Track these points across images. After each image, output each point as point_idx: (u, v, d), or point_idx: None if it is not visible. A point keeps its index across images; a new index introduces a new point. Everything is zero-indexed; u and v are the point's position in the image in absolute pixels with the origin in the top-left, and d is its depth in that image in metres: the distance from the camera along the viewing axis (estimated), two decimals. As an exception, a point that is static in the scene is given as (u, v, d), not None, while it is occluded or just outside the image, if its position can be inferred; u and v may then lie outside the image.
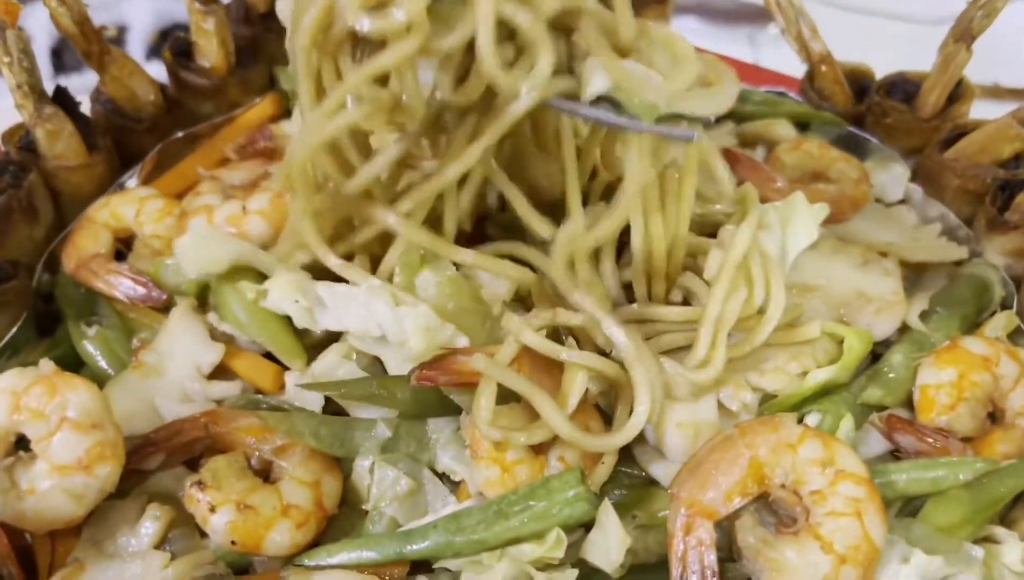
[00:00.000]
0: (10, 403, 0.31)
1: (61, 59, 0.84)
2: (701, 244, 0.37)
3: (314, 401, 0.37)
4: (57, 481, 0.31)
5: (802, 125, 0.51)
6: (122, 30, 0.86)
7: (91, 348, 0.38)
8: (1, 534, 0.32)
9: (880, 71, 0.54)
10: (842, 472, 0.32)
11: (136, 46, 0.84)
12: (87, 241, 0.41)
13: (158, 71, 0.82)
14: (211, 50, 0.47)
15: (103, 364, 0.38)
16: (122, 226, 0.42)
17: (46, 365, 0.32)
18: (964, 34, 0.45)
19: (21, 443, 0.32)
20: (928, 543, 0.33)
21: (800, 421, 0.35)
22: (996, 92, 0.86)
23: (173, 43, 0.49)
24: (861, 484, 0.32)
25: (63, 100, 0.44)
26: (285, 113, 0.50)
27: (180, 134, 0.48)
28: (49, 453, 0.31)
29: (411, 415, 0.36)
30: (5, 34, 0.41)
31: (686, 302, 0.37)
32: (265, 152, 0.45)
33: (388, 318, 0.35)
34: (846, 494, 0.32)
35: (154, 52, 0.85)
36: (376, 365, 0.37)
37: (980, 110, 0.83)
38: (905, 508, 0.35)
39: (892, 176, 0.47)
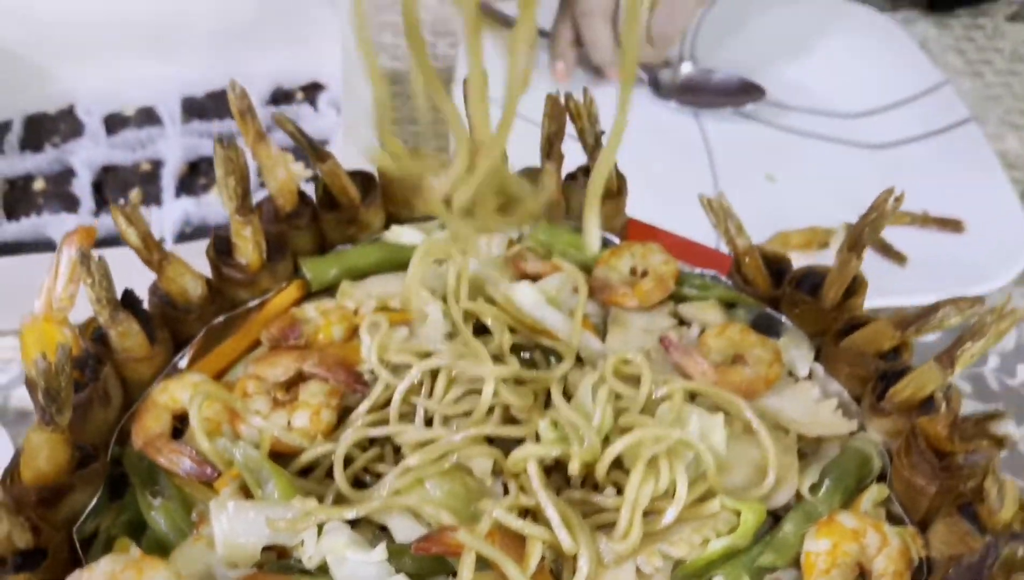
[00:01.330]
0: (108, 584, 0.42)
1: (101, 192, 0.96)
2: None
3: (335, 563, 0.47)
4: (142, 642, 0.41)
5: (730, 303, 0.62)
6: (156, 165, 0.98)
7: (156, 517, 0.49)
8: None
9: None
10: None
11: (169, 179, 0.95)
12: (151, 422, 0.52)
13: (186, 203, 0.93)
14: (247, 250, 0.58)
15: (165, 529, 0.49)
16: (179, 407, 0.53)
17: (134, 550, 0.43)
18: (855, 245, 0.56)
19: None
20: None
21: (709, 582, 0.46)
22: (924, 221, 0.98)
23: (216, 241, 0.59)
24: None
25: (130, 300, 0.55)
26: (308, 296, 0.61)
27: (221, 319, 0.58)
28: (137, 622, 0.41)
29: (415, 575, 0.47)
30: (90, 261, 0.51)
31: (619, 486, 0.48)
32: (296, 347, 0.56)
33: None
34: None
35: (183, 185, 0.97)
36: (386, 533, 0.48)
37: (908, 237, 0.94)
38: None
39: (800, 354, 0.58)
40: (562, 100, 0.63)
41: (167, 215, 0.91)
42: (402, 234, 0.64)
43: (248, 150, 0.59)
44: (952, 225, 0.96)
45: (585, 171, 0.66)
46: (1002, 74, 1.22)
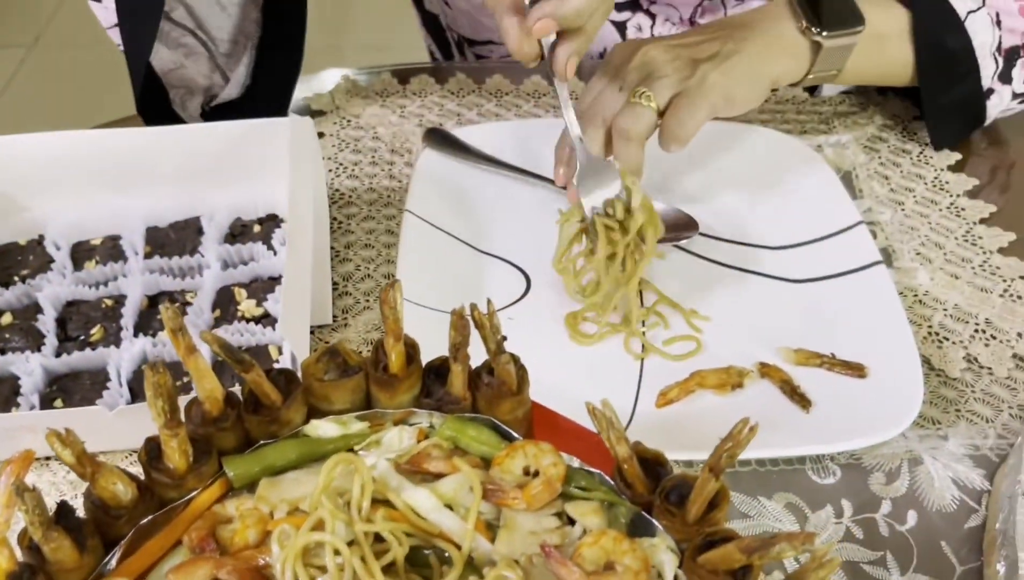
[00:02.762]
0: None
1: (64, 328, 1.03)
2: None
3: None
4: None
5: (611, 503, 0.69)
6: (118, 300, 1.04)
7: None
8: None
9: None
10: None
11: (129, 317, 1.02)
12: (78, 631, 0.59)
13: (144, 343, 0.99)
14: (174, 457, 0.65)
15: None
16: (104, 615, 0.59)
17: None
18: (715, 467, 0.63)
19: None
20: None
21: None
22: (832, 364, 1.05)
23: (147, 446, 0.66)
24: None
25: (64, 511, 0.62)
26: (229, 492, 0.68)
27: (149, 519, 0.65)
28: None
29: None
30: (24, 492, 0.58)
31: None
32: (212, 558, 0.62)
33: None
34: None
35: (143, 319, 1.03)
36: None
37: (815, 378, 1.01)
38: None
39: (668, 559, 0.64)
40: (467, 312, 0.70)
41: (125, 355, 0.98)
42: (320, 427, 0.71)
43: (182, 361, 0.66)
44: (856, 369, 1.03)
45: (489, 370, 0.73)
46: (922, 203, 1.30)
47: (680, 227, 1.21)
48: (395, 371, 0.71)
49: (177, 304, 1.04)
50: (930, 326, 1.13)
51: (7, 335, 1.01)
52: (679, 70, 1.09)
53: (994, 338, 1.12)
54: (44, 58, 4.30)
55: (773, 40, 1.16)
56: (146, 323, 1.03)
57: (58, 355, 0.98)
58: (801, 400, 1.01)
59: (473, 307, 0.70)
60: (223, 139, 1.12)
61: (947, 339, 1.12)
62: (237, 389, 0.71)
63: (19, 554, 0.61)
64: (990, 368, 1.08)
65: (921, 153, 1.38)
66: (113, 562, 0.63)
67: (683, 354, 1.07)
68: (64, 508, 0.62)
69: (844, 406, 1.00)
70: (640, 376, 1.06)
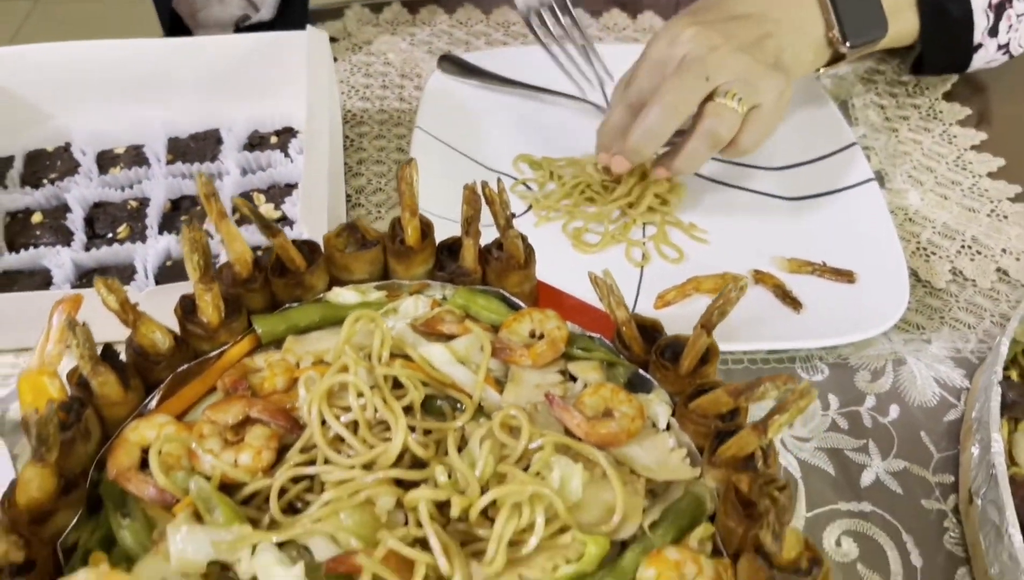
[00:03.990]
0: (82, 591, 0.54)
1: (93, 227, 1.08)
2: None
3: (264, 577, 0.59)
4: (108, 636, 0.54)
5: (611, 363, 0.74)
6: (143, 202, 1.09)
7: (124, 534, 0.61)
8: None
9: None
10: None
11: (153, 217, 1.07)
12: (123, 456, 0.64)
13: (168, 240, 1.04)
14: (208, 311, 0.70)
15: (130, 545, 0.61)
16: (147, 443, 0.65)
17: (104, 566, 0.55)
18: (706, 324, 0.68)
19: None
20: None
21: (557, 601, 0.58)
22: (822, 271, 1.10)
23: (182, 302, 0.71)
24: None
25: (108, 353, 0.67)
26: (258, 348, 0.73)
27: (185, 367, 0.71)
28: (104, 621, 0.54)
29: (327, 591, 0.59)
30: (75, 327, 0.63)
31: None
32: (245, 396, 0.68)
33: None
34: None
35: (166, 220, 1.08)
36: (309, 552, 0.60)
37: (806, 284, 1.06)
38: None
39: (662, 410, 0.70)
40: (479, 188, 0.75)
41: (150, 250, 1.03)
42: (341, 294, 0.76)
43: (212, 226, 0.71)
44: (845, 275, 1.08)
45: (498, 245, 0.78)
46: (915, 130, 1.34)
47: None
48: (411, 243, 0.76)
49: (199, 207, 1.08)
50: (918, 242, 1.18)
51: (38, 233, 1.06)
52: (754, 72, 1.04)
53: (979, 253, 1.17)
54: (50, 10, 4.31)
55: (802, 37, 1.13)
56: (169, 224, 1.08)
57: (87, 250, 1.03)
58: (793, 303, 1.06)
59: (484, 184, 0.75)
60: (241, 51, 1.16)
61: (934, 254, 1.17)
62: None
63: (69, 391, 0.66)
64: (974, 280, 1.14)
65: (916, 85, 1.42)
66: (153, 403, 0.69)
67: (679, 258, 1.12)
68: (109, 351, 0.67)
69: (833, 308, 1.05)
70: (640, 282, 1.11)
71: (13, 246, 1.04)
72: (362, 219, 0.76)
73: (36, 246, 1.04)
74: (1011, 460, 0.88)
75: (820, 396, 1.02)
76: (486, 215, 0.75)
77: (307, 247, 0.76)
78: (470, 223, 0.75)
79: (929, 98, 1.39)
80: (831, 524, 0.91)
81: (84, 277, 1.02)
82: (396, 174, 0.82)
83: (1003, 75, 1.44)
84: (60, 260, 1.01)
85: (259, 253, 0.74)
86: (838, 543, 0.90)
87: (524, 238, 0.77)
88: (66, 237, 1.05)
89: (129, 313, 0.67)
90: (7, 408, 0.97)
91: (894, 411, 1.01)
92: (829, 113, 1.28)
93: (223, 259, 0.76)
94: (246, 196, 1.10)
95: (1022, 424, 0.90)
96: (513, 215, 0.76)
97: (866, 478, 0.95)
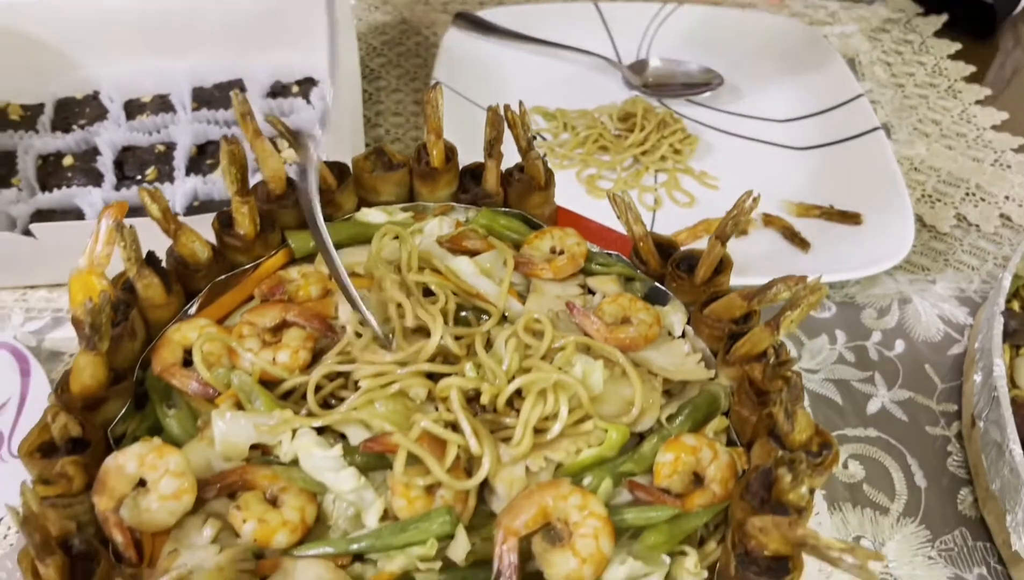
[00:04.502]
0: (138, 461, 0.58)
1: (122, 169, 1.11)
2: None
3: (304, 457, 0.62)
4: (161, 504, 0.57)
5: (629, 278, 0.77)
6: (169, 147, 1.12)
7: (171, 423, 0.64)
8: (128, 533, 0.58)
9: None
10: (591, 513, 0.58)
11: (180, 160, 1.10)
12: (167, 354, 0.67)
13: (195, 181, 1.07)
14: (244, 223, 0.74)
15: (177, 432, 0.64)
16: (189, 343, 0.68)
17: (157, 440, 0.59)
18: (721, 235, 0.71)
19: (141, 482, 0.58)
20: (639, 555, 0.59)
21: (579, 483, 0.61)
22: (830, 214, 1.13)
23: (220, 216, 0.75)
24: (600, 520, 0.58)
25: (152, 259, 0.71)
26: (292, 262, 0.77)
27: (223, 277, 0.74)
28: (158, 488, 0.57)
29: (362, 467, 0.62)
30: (123, 229, 0.67)
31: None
32: (282, 301, 0.71)
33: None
34: (591, 525, 0.58)
35: (193, 164, 1.12)
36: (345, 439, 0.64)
37: (815, 227, 1.09)
38: (632, 534, 0.61)
39: (677, 319, 0.73)
40: (501, 111, 0.78)
41: (178, 190, 1.06)
42: (369, 214, 0.79)
43: (247, 145, 0.74)
44: (852, 218, 1.11)
45: (520, 168, 0.81)
46: (922, 86, 1.37)
47: (705, 83, 1.29)
48: (436, 165, 0.79)
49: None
50: (924, 189, 1.21)
51: (69, 174, 1.09)
52: None
53: (983, 200, 1.20)
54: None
55: None
56: (196, 167, 1.11)
57: (117, 190, 1.07)
58: (801, 243, 1.10)
59: (506, 107, 0.78)
60: (264, 4, 1.19)
61: (939, 201, 1.20)
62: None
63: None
64: (978, 225, 1.17)
65: (923, 44, 1.45)
66: (193, 309, 0.72)
67: (690, 202, 1.15)
68: (152, 257, 0.70)
69: (841, 248, 1.08)
70: (651, 226, 1.14)
71: (45, 187, 1.08)
72: (387, 144, 0.79)
73: (68, 186, 1.07)
74: (1012, 384, 0.91)
75: (827, 331, 1.05)
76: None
77: (337, 168, 0.79)
78: (492, 145, 0.79)
79: (935, 56, 1.42)
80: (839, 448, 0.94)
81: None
82: (421, 98, 0.85)
83: (1007, 35, 1.47)
84: (92, 199, 1.04)
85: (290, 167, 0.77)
86: (845, 466, 0.94)
87: (544, 161, 0.81)
88: (96, 179, 1.08)
89: (171, 222, 0.71)
90: (43, 338, 1.01)
91: (899, 346, 1.04)
92: (836, 67, 1.30)
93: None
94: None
95: (1023, 350, 0.93)
96: (534, 137, 0.78)
97: (872, 406, 0.98)
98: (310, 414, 0.65)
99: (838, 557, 0.50)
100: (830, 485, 0.91)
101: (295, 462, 0.62)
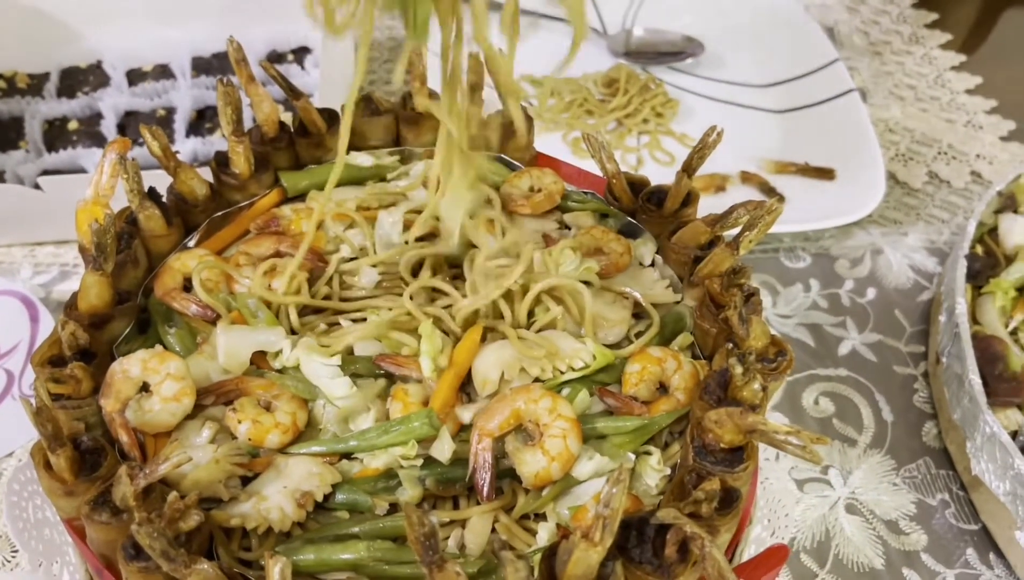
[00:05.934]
0: (141, 365, 0.62)
1: (125, 133, 1.16)
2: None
3: (304, 362, 0.67)
4: (163, 406, 0.62)
5: (603, 214, 0.82)
6: (170, 111, 1.17)
7: (172, 340, 0.69)
8: (132, 434, 0.62)
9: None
10: (560, 415, 0.63)
11: (180, 123, 1.15)
12: (168, 280, 0.72)
13: (195, 143, 1.12)
14: (240, 163, 0.78)
15: (178, 348, 0.69)
16: (187, 272, 0.73)
17: (159, 347, 0.63)
18: (687, 168, 0.76)
19: (144, 387, 0.63)
20: (606, 452, 0.63)
21: (560, 392, 0.66)
22: (805, 170, 1.17)
23: (217, 156, 0.79)
24: (568, 422, 0.62)
25: (153, 194, 0.75)
26: (285, 201, 0.81)
27: (220, 213, 0.79)
28: (160, 390, 0.62)
29: (356, 375, 0.67)
30: (126, 162, 0.71)
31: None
32: (276, 233, 0.76)
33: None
34: (560, 426, 0.62)
35: (192, 128, 1.16)
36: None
37: (791, 182, 1.13)
38: (600, 436, 0.65)
39: (647, 249, 0.78)
40: (482, 58, 0.82)
41: (179, 152, 1.11)
42: (357, 157, 0.84)
43: (242, 90, 0.79)
44: (826, 173, 1.16)
45: (500, 113, 0.85)
46: (898, 53, 1.41)
47: (687, 51, 1.34)
48: (420, 110, 0.84)
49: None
50: (898, 149, 1.25)
51: (75, 138, 1.14)
52: None
53: (955, 159, 1.24)
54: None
55: None
56: (195, 130, 1.16)
57: (121, 152, 1.11)
58: (777, 198, 1.14)
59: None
60: (261, -25, 1.24)
61: (912, 159, 1.24)
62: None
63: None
64: (949, 181, 1.21)
65: (900, 13, 1.49)
66: (192, 242, 0.77)
67: (671, 162, 1.20)
68: (154, 192, 0.75)
69: (815, 200, 1.13)
70: (634, 184, 1.19)
71: (52, 148, 1.13)
72: (376, 92, 0.84)
73: (73, 148, 1.12)
74: (973, 321, 0.96)
75: (801, 280, 1.09)
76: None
77: (327, 113, 0.84)
78: (474, 90, 0.83)
79: (912, 25, 1.46)
80: (810, 386, 0.99)
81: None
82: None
83: (981, 2, 1.51)
84: (96, 159, 1.09)
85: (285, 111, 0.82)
86: (816, 402, 0.98)
87: (524, 108, 0.85)
88: (100, 141, 1.13)
89: (170, 159, 0.75)
90: (51, 290, 1.05)
91: (871, 293, 1.08)
92: (814, 35, 1.35)
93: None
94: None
95: (985, 289, 0.97)
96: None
97: (843, 349, 1.02)
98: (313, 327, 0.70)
99: (784, 440, 0.55)
100: (800, 420, 0.95)
101: (294, 370, 0.66)
